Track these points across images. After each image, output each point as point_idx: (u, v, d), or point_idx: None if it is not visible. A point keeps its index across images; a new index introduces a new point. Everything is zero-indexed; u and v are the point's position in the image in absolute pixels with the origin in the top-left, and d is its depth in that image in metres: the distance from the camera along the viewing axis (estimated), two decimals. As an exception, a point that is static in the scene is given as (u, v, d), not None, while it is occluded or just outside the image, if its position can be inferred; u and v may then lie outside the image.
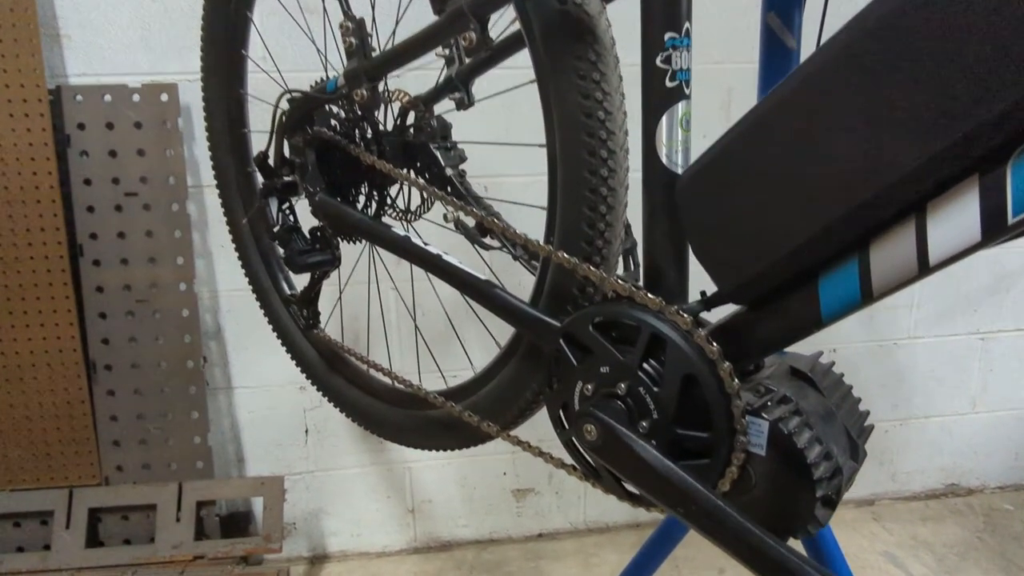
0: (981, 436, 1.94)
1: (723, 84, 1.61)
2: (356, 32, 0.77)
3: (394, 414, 0.93)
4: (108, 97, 1.45)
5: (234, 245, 1.14)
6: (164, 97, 1.46)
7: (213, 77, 1.08)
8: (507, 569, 1.69)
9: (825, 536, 0.99)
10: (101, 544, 1.57)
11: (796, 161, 0.49)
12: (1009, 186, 0.41)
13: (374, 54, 0.78)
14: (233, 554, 1.53)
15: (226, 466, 1.67)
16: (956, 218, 0.43)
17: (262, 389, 1.64)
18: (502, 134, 1.54)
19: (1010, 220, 0.41)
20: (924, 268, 0.46)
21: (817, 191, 0.48)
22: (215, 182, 1.14)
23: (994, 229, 0.42)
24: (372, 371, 0.95)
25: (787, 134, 0.49)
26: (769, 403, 0.55)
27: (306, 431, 1.68)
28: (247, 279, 1.13)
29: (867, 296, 0.49)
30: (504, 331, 0.76)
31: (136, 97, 1.46)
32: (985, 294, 1.83)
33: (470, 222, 0.83)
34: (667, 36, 0.56)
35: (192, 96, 1.47)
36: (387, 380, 0.92)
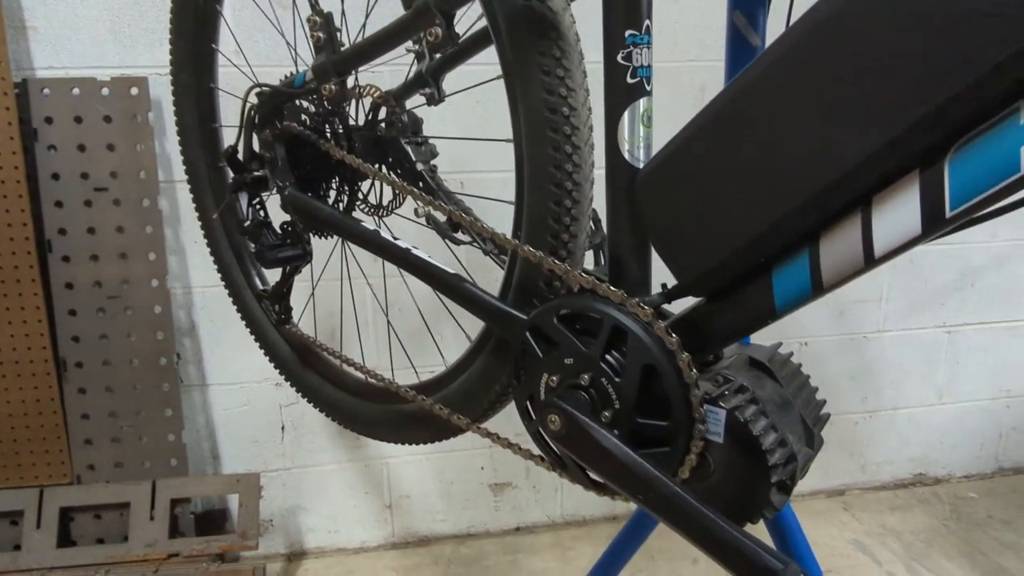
0: (947, 427, 1.99)
1: (696, 82, 1.63)
2: (324, 27, 0.77)
3: (366, 408, 0.94)
4: (76, 90, 1.43)
5: (206, 240, 1.13)
6: (134, 91, 1.44)
7: (183, 71, 1.07)
8: (485, 563, 1.70)
9: (789, 522, 1.02)
10: (73, 543, 1.55)
11: (747, 156, 0.50)
12: (947, 181, 0.43)
13: (343, 48, 0.78)
14: (208, 551, 1.52)
15: (201, 464, 1.66)
16: (898, 212, 0.45)
17: (237, 386, 1.63)
18: (477, 130, 1.54)
19: (948, 214, 0.43)
20: (870, 260, 0.47)
21: (768, 185, 0.49)
22: (186, 177, 1.13)
23: (933, 222, 0.44)
24: (344, 365, 0.95)
25: (738, 130, 0.51)
26: (726, 392, 0.56)
27: (282, 427, 1.68)
28: (219, 274, 1.13)
29: (818, 288, 0.50)
30: (476, 326, 0.77)
31: (105, 91, 1.44)
32: (951, 289, 1.88)
33: (441, 217, 0.83)
34: (627, 33, 0.57)
35: (163, 90, 1.45)
36: (359, 375, 0.92)
